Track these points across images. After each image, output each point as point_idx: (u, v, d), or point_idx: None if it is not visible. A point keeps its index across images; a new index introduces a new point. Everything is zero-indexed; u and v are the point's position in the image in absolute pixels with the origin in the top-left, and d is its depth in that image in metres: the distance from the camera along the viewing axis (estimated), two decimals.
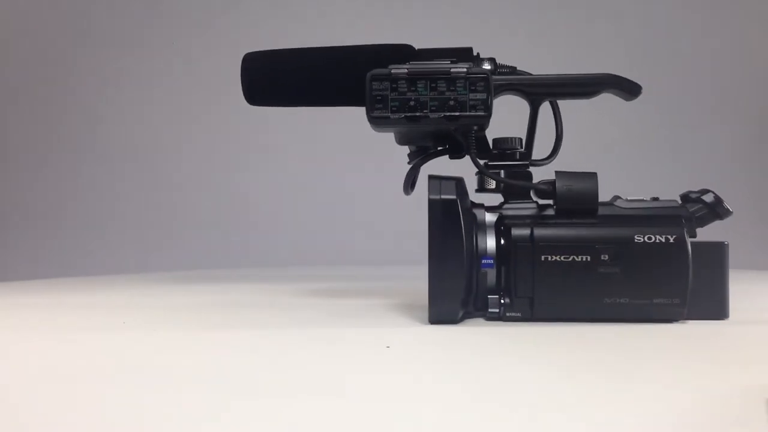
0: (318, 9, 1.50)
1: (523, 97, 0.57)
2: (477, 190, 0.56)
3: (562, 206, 0.53)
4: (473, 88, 0.51)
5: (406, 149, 0.60)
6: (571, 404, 0.31)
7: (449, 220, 0.51)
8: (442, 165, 0.56)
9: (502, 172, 0.55)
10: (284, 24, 1.47)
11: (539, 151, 0.57)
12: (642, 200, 0.53)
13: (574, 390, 0.33)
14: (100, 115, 1.51)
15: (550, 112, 0.58)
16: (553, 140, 0.58)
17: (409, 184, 0.58)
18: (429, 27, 1.44)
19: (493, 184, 0.55)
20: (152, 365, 0.40)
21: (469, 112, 0.51)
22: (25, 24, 1.50)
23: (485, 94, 0.51)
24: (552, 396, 0.32)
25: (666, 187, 0.57)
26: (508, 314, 0.52)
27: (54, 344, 0.49)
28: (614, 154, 1.39)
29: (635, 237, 0.50)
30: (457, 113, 0.51)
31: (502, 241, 0.52)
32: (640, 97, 0.57)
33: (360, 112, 0.53)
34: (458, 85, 0.51)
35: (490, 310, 0.52)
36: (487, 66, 0.56)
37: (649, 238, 0.50)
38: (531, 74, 0.57)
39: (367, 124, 0.53)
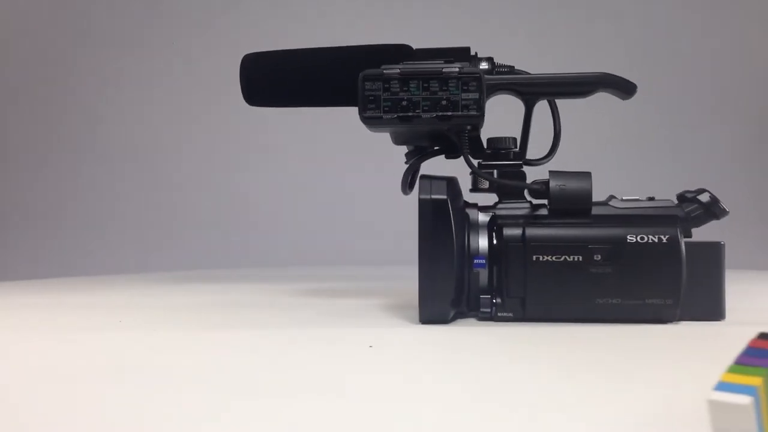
0: (318, 9, 1.50)
1: (517, 97, 0.56)
2: (471, 190, 0.56)
3: (556, 206, 0.52)
4: (465, 87, 0.51)
5: (405, 149, 0.60)
6: (571, 404, 0.31)
7: (440, 220, 0.51)
8: (439, 165, 0.56)
9: (495, 171, 0.55)
10: (284, 24, 1.47)
11: (539, 150, 0.57)
12: (637, 200, 0.53)
13: (574, 390, 0.33)
14: (100, 115, 1.51)
15: (549, 111, 0.58)
16: (551, 139, 0.58)
17: (407, 183, 0.58)
18: (429, 27, 1.44)
19: (486, 184, 0.55)
20: (152, 365, 0.40)
21: (462, 111, 0.51)
22: (25, 24, 1.50)
23: (478, 94, 0.51)
24: (552, 396, 0.32)
25: (666, 187, 0.57)
26: (499, 314, 0.52)
27: (54, 344, 0.49)
28: (614, 154, 1.39)
29: (628, 237, 0.50)
30: (449, 113, 0.51)
31: (495, 241, 0.52)
32: (640, 96, 0.56)
33: None
34: (450, 85, 0.51)
35: (481, 310, 0.52)
36: (484, 66, 0.56)
37: (642, 238, 0.50)
38: (529, 74, 0.57)
39: None
